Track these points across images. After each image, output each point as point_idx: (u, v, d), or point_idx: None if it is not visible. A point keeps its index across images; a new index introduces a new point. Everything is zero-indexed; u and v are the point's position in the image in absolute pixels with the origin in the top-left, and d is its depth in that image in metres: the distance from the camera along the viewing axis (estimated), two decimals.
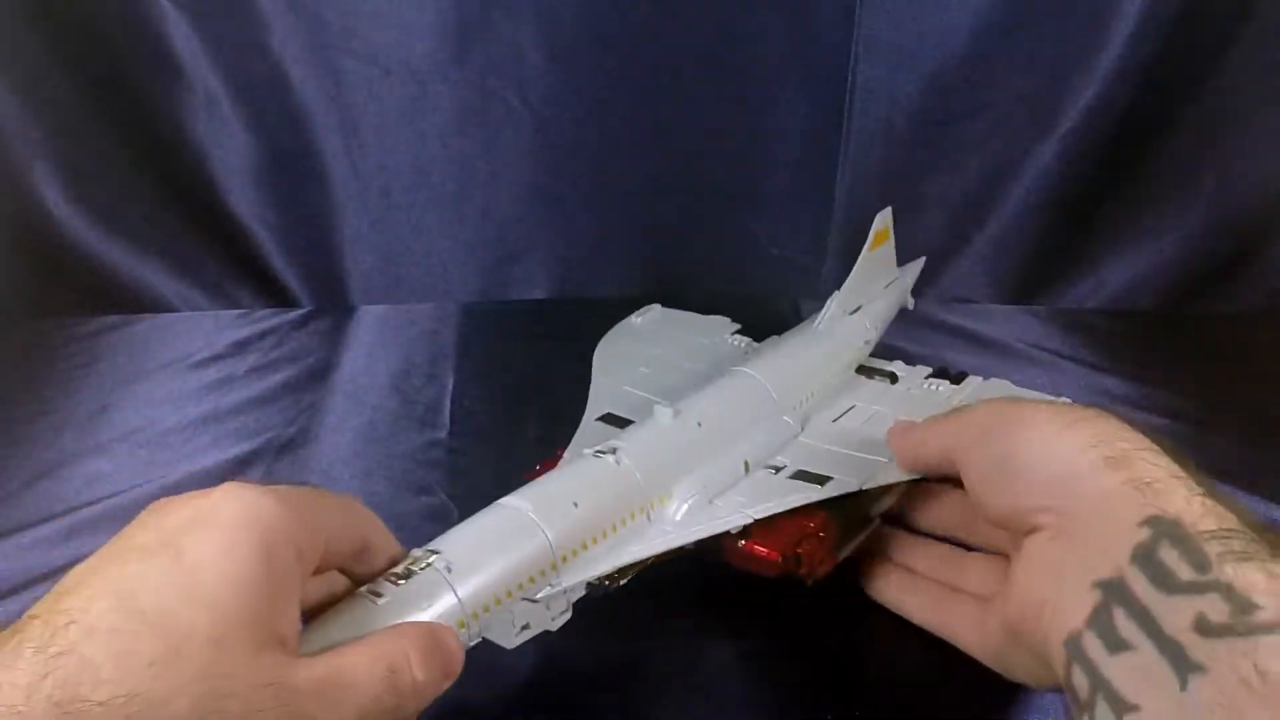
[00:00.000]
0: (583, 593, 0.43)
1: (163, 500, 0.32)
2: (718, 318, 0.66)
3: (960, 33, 0.70)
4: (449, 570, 0.38)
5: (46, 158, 0.73)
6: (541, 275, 0.81)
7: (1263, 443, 0.60)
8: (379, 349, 0.74)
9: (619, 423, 0.53)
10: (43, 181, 0.73)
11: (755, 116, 0.74)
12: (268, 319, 0.78)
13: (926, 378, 0.56)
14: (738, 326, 0.65)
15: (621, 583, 0.45)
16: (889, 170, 0.76)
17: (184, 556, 0.29)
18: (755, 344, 0.62)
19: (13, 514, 0.56)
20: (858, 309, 0.59)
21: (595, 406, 0.56)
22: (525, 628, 0.41)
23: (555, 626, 0.42)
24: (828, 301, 0.59)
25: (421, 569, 0.38)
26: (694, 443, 0.48)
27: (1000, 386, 0.55)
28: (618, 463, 0.45)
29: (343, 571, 0.37)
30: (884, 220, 0.60)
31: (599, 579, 0.43)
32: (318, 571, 0.34)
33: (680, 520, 0.46)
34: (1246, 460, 0.58)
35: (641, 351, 0.63)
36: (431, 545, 0.40)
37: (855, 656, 0.46)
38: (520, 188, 0.77)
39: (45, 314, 0.78)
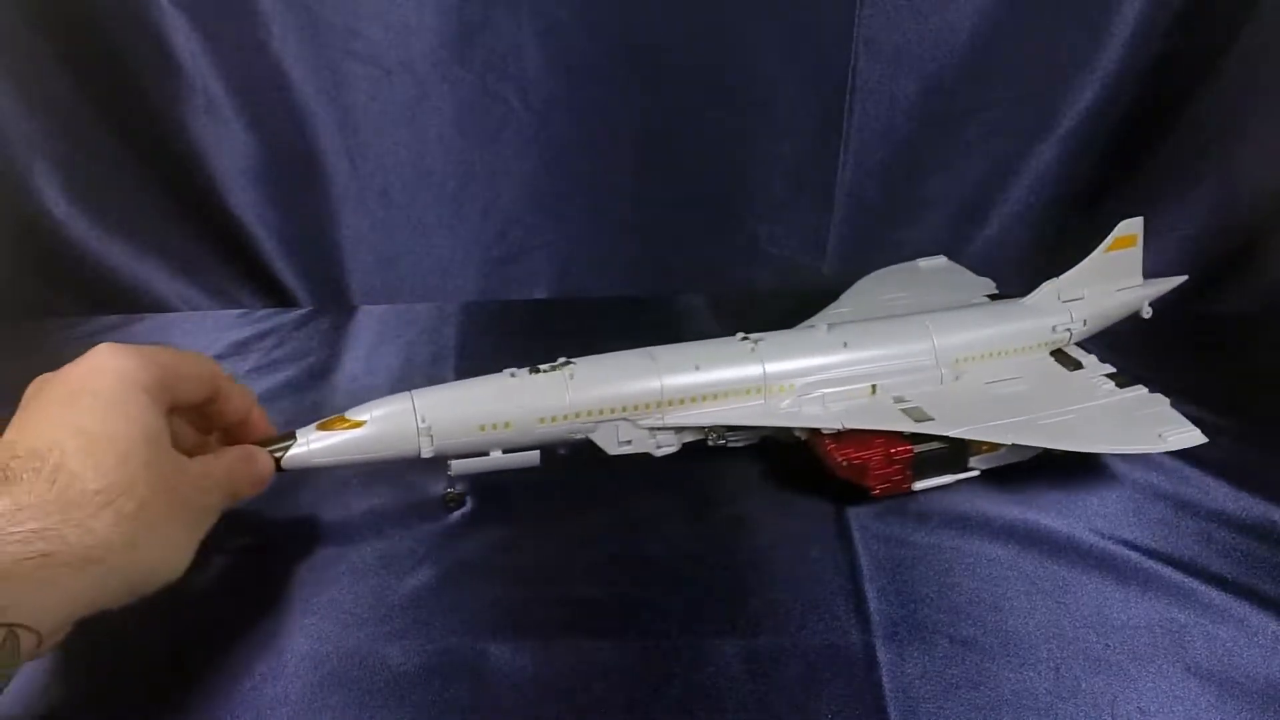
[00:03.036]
0: (697, 438, 0.56)
1: (43, 376, 0.43)
2: (984, 279, 0.73)
3: (960, 33, 0.70)
4: (571, 377, 0.53)
5: (46, 158, 0.73)
6: (541, 275, 0.81)
7: (1263, 443, 0.60)
8: (379, 349, 0.74)
9: None
10: (43, 181, 0.73)
11: (755, 116, 0.74)
12: (268, 319, 0.78)
13: (1105, 375, 0.60)
14: (994, 291, 0.71)
15: (730, 444, 0.57)
16: (889, 170, 0.76)
17: (98, 400, 0.41)
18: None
19: None
20: (1075, 299, 0.63)
21: (823, 316, 0.67)
22: (628, 443, 0.54)
23: (658, 454, 0.55)
24: (1042, 284, 0.63)
25: (553, 369, 0.53)
26: (832, 357, 0.57)
27: (1155, 400, 0.57)
28: (752, 349, 0.56)
29: (200, 417, 0.49)
30: (1130, 227, 0.63)
31: (707, 430, 0.56)
32: (175, 411, 0.46)
33: (786, 408, 0.56)
34: (1247, 460, 0.58)
35: (900, 287, 0.72)
36: (574, 359, 0.54)
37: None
38: (520, 188, 0.77)
39: (45, 314, 0.78)
